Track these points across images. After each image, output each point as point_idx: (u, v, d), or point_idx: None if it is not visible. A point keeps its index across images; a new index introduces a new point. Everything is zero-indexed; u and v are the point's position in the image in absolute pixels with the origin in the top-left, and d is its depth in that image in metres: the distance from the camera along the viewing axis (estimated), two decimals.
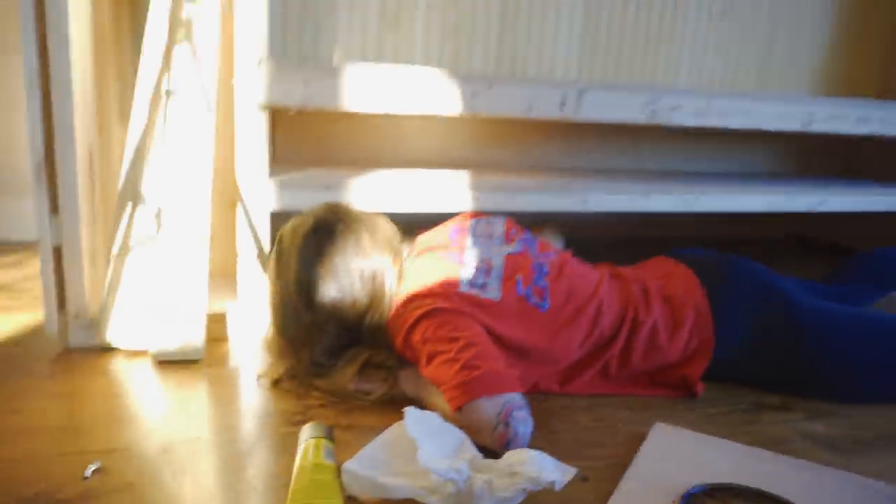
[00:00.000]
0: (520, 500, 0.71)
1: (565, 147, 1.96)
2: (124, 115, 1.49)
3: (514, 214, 1.33)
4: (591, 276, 1.08)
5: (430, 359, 0.89)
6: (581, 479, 0.79)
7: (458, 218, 1.16)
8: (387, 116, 1.69)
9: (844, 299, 1.27)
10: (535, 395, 1.00)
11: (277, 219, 1.25)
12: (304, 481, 0.71)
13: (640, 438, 0.89)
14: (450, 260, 1.02)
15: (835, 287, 1.34)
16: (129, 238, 1.15)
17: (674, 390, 1.06)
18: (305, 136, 1.71)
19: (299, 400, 0.98)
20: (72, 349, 1.12)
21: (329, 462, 0.75)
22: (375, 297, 1.00)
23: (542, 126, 1.90)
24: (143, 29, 1.29)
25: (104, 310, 1.12)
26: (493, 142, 1.89)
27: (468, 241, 1.07)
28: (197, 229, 1.14)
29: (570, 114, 1.32)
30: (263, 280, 1.07)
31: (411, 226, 1.16)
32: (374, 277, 0.99)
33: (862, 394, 1.07)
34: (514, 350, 0.97)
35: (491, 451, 0.81)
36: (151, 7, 1.21)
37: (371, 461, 0.75)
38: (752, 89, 2.09)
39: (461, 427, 0.82)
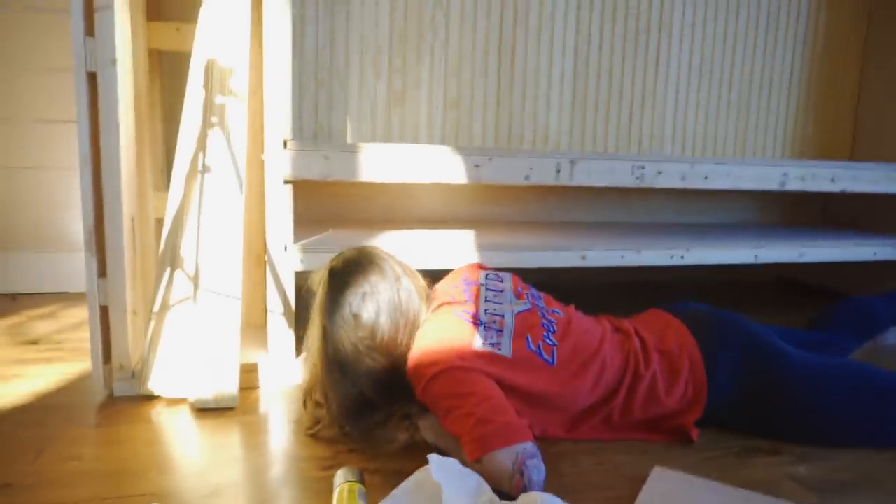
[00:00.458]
0: None
1: (562, 204, 2.11)
2: (157, 183, 1.63)
3: (516, 270, 1.46)
4: (595, 332, 1.17)
5: (448, 412, 0.98)
6: None
7: (468, 268, 1.26)
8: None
9: (824, 347, 1.36)
10: (543, 441, 1.09)
11: (301, 276, 1.37)
12: None
13: (641, 481, 0.97)
14: (466, 319, 1.10)
15: (815, 334, 1.43)
16: (169, 296, 1.26)
17: (671, 436, 1.14)
18: (325, 197, 1.85)
19: (329, 446, 1.07)
20: (116, 398, 1.23)
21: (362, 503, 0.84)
22: (412, 340, 1.08)
23: (540, 187, 2.04)
24: (172, 108, 1.43)
25: (146, 362, 1.23)
26: (495, 200, 2.03)
27: (481, 297, 1.16)
28: (230, 288, 1.26)
29: (565, 181, 1.46)
30: (307, 320, 1.13)
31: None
32: (415, 323, 1.08)
33: (842, 440, 1.14)
34: (525, 397, 1.06)
35: (506, 493, 0.90)
36: (188, 94, 1.35)
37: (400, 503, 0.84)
38: (733, 150, 2.24)
39: (480, 474, 0.90)
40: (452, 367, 1.00)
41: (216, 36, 1.38)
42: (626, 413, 1.12)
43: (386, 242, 1.44)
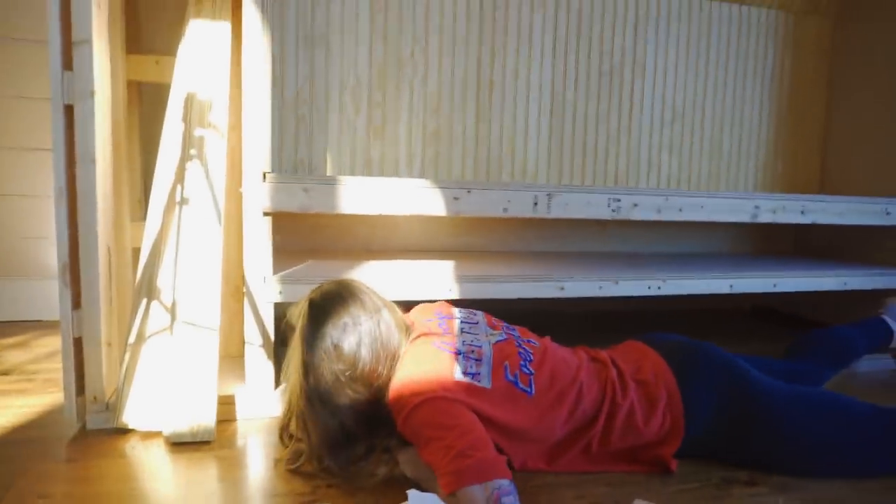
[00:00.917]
0: None
1: (540, 234, 2.13)
2: (133, 213, 1.62)
3: (495, 301, 1.47)
4: (571, 361, 1.18)
5: (428, 442, 0.98)
6: None
7: (439, 304, 1.26)
8: None
9: (798, 376, 1.38)
10: (525, 474, 1.09)
11: (280, 308, 1.37)
12: None
13: None
14: (445, 350, 1.10)
15: (789, 363, 1.45)
16: (145, 327, 1.25)
17: (649, 467, 1.15)
18: (304, 228, 1.85)
19: (307, 481, 1.06)
20: (89, 431, 1.20)
21: None
22: (392, 372, 1.07)
23: (519, 218, 2.06)
24: (150, 138, 1.43)
25: (120, 394, 1.21)
26: (474, 231, 2.05)
27: (457, 329, 1.17)
28: (208, 320, 1.25)
29: (543, 213, 1.48)
30: (285, 353, 1.12)
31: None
32: (395, 356, 1.08)
33: (816, 469, 1.16)
34: (503, 430, 1.06)
35: None
36: (166, 126, 1.36)
37: None
38: (707, 186, 2.30)
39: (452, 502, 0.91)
40: (436, 398, 1.00)
41: (196, 69, 1.39)
42: (604, 442, 1.12)
43: (365, 273, 1.45)
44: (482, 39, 2.00)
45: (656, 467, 1.15)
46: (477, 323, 1.20)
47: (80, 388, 1.21)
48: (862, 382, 1.72)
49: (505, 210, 1.46)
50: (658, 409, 1.13)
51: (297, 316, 1.09)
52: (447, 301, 1.30)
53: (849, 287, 1.88)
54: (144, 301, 1.26)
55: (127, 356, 1.22)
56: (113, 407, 1.21)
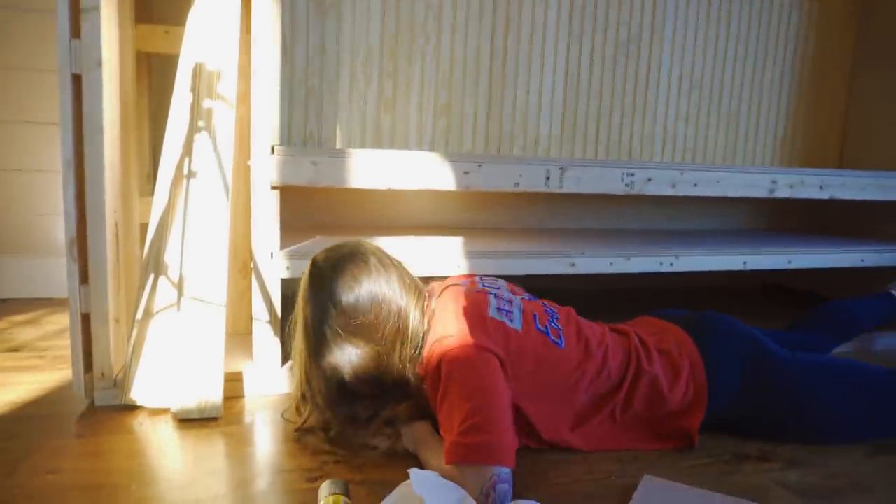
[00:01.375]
0: None
1: (551, 210, 2.10)
2: (142, 188, 1.61)
3: (505, 278, 1.45)
4: (595, 327, 1.18)
5: (447, 398, 0.96)
6: None
7: (460, 276, 1.27)
8: None
9: (803, 347, 1.36)
10: (534, 452, 1.08)
11: (287, 284, 1.35)
12: None
13: (631, 490, 0.97)
14: (476, 291, 1.11)
15: (795, 335, 1.45)
16: (152, 304, 1.24)
17: (673, 442, 1.14)
18: (312, 204, 1.83)
19: (314, 457, 1.06)
20: (97, 408, 1.20)
21: None
22: (401, 333, 1.05)
23: (530, 194, 2.03)
24: (160, 112, 1.41)
25: (128, 371, 1.21)
26: (484, 207, 2.02)
27: (479, 285, 1.16)
28: (215, 296, 1.24)
29: (555, 188, 1.45)
30: (295, 307, 1.10)
31: None
32: (399, 313, 1.05)
33: (834, 435, 1.17)
34: (532, 384, 1.04)
35: None
36: (174, 97, 1.33)
37: None
38: (723, 159, 2.25)
39: (450, 477, 0.90)
40: (473, 346, 0.99)
41: (204, 39, 1.36)
42: (627, 408, 1.12)
43: None
44: (496, 8, 1.94)
45: (679, 441, 1.14)
46: (500, 287, 1.19)
47: (88, 365, 1.21)
48: (880, 360, 1.69)
49: (516, 185, 1.43)
50: (682, 377, 1.13)
51: (321, 265, 1.07)
52: (468, 274, 1.30)
53: (866, 264, 1.84)
54: (151, 277, 1.25)
55: (134, 332, 1.22)
56: (121, 384, 1.21)
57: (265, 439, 1.13)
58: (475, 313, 1.05)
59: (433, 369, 1.01)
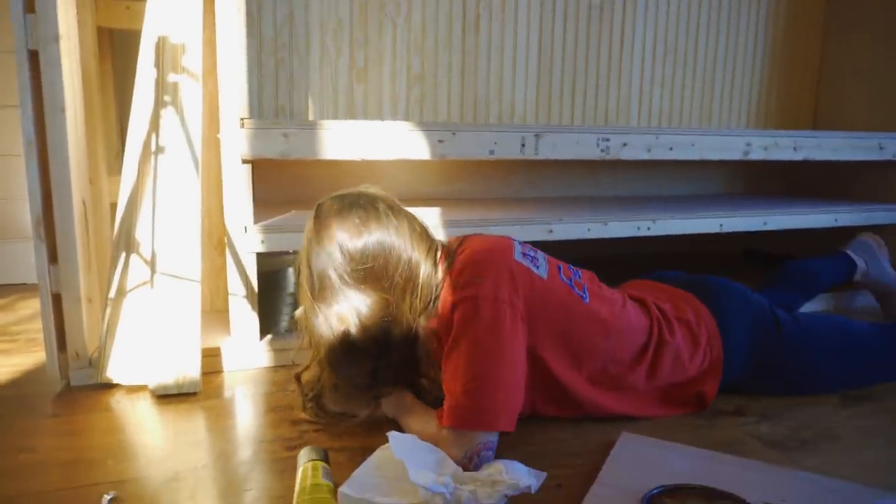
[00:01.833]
0: None
1: (528, 179, 2.09)
2: (111, 167, 1.58)
3: None
4: (616, 293, 1.14)
5: (454, 349, 0.93)
6: (555, 486, 0.88)
7: None
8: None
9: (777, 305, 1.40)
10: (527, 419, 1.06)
11: (262, 258, 1.34)
12: (305, 500, 0.79)
13: (609, 446, 0.97)
14: (500, 236, 1.07)
15: (767, 295, 1.47)
16: (125, 281, 1.22)
17: (685, 408, 1.14)
18: (286, 178, 1.81)
19: (294, 426, 1.06)
20: (73, 388, 1.19)
21: (326, 481, 0.83)
22: (411, 282, 0.99)
23: (506, 162, 2.03)
24: (126, 89, 1.38)
25: (103, 349, 1.20)
26: (461, 177, 2.01)
27: None
28: (188, 271, 1.22)
29: (530, 154, 1.44)
30: (299, 256, 1.03)
31: None
32: (410, 262, 0.99)
33: (810, 388, 1.22)
34: (555, 334, 1.01)
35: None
36: (138, 73, 1.30)
37: (363, 484, 0.83)
38: (698, 123, 2.25)
39: (433, 439, 0.90)
40: (494, 301, 0.94)
41: (167, 13, 1.33)
42: (652, 377, 1.09)
43: None
44: None
45: (692, 407, 1.14)
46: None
47: (62, 345, 1.19)
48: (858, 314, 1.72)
49: (491, 152, 1.42)
50: (700, 348, 1.12)
51: (327, 210, 1.01)
52: None
53: (840, 223, 1.86)
54: (123, 255, 1.23)
55: (108, 311, 1.20)
56: (96, 363, 1.20)
57: (245, 412, 1.12)
58: (500, 257, 0.99)
59: (447, 314, 0.96)
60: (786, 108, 2.38)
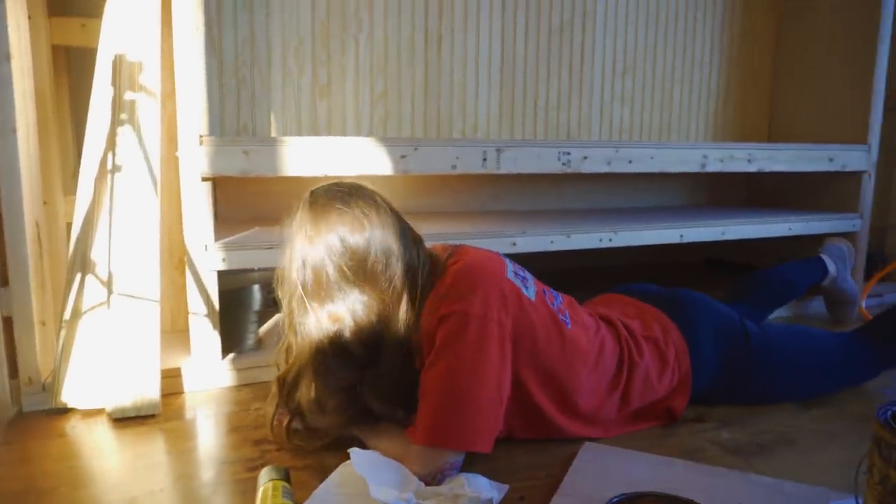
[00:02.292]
0: None
1: (493, 192, 2.11)
2: (67, 187, 1.55)
3: None
4: (589, 317, 1.11)
5: (435, 364, 0.89)
6: (518, 498, 0.88)
7: None
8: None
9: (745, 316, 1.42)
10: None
11: (226, 276, 1.32)
12: None
13: (572, 458, 0.98)
14: (491, 252, 1.04)
15: (736, 306, 1.49)
16: (80, 303, 1.20)
17: (654, 421, 1.13)
18: (248, 196, 1.80)
19: (256, 447, 1.04)
20: (26, 414, 1.15)
21: (287, 501, 0.82)
22: (410, 287, 0.94)
23: (472, 176, 2.04)
24: (83, 109, 1.37)
25: (57, 373, 1.16)
26: (429, 191, 2.02)
27: None
28: (147, 290, 1.20)
29: (492, 168, 1.46)
30: (285, 249, 0.96)
31: None
32: (409, 265, 0.94)
33: (774, 398, 1.22)
34: (537, 367, 0.98)
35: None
36: (94, 91, 1.29)
37: (324, 501, 0.82)
38: (658, 138, 2.30)
39: (402, 455, 0.89)
40: (482, 318, 0.90)
41: (124, 30, 1.32)
42: (626, 404, 1.08)
43: None
44: None
45: (661, 420, 1.13)
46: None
47: (13, 370, 1.16)
48: (813, 323, 1.77)
49: (454, 167, 1.43)
50: (668, 366, 1.11)
51: (322, 201, 0.94)
52: None
53: (793, 232, 1.91)
54: (79, 276, 1.21)
55: (63, 333, 1.17)
56: (50, 387, 1.17)
57: (206, 433, 1.10)
58: (493, 274, 0.95)
59: (432, 326, 0.91)
60: (742, 122, 2.44)
